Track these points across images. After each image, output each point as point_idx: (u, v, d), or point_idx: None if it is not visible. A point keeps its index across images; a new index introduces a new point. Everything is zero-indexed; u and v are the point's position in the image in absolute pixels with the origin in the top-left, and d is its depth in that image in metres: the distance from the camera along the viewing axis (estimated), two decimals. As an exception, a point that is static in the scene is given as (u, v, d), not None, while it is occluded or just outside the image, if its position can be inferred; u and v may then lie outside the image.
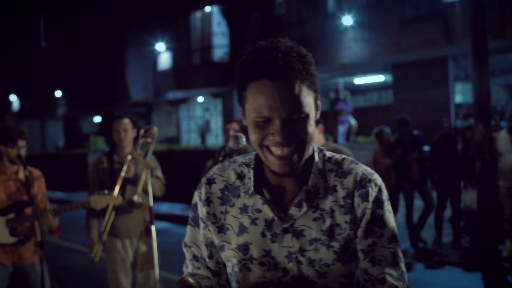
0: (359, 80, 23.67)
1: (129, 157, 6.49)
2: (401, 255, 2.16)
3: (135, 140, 6.77)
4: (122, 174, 6.42)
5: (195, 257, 2.33)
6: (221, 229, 2.20)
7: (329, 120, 17.08)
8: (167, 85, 30.76)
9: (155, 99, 33.21)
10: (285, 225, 2.10)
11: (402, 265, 2.15)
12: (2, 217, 5.74)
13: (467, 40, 15.05)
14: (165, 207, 18.69)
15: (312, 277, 2.09)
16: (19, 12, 44.90)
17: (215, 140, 31.26)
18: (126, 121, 6.74)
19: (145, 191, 6.42)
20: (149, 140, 6.54)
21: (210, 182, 2.26)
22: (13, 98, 50.70)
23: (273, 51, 2.00)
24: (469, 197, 11.75)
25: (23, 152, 5.83)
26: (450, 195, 11.95)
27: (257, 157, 2.23)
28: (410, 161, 11.55)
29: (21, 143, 5.81)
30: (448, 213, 12.28)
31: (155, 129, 6.69)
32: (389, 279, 2.10)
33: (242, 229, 2.15)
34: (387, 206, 2.17)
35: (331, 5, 22.60)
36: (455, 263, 10.83)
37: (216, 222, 2.21)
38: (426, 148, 11.66)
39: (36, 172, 6.08)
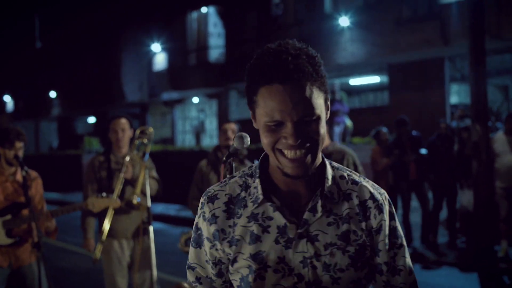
0: (354, 81, 23.66)
1: (128, 158, 6.47)
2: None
3: (131, 140, 6.74)
4: (122, 175, 6.40)
5: (198, 279, 2.28)
6: (232, 243, 2.15)
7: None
8: (163, 86, 30.74)
9: (150, 99, 33.16)
10: (299, 230, 2.08)
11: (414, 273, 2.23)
12: None
13: (463, 41, 15.10)
14: (159, 208, 18.65)
15: (325, 283, 2.08)
16: (13, 12, 44.78)
17: (210, 141, 31.23)
18: (124, 121, 6.70)
19: (143, 192, 6.40)
20: (145, 141, 6.53)
21: (212, 199, 2.21)
22: (7, 98, 50.58)
23: (283, 54, 1.99)
24: (465, 198, 11.79)
25: (20, 153, 5.81)
26: (446, 195, 11.94)
27: (261, 166, 2.22)
28: (408, 162, 11.53)
29: (19, 144, 5.79)
30: (443, 213, 12.27)
31: (151, 129, 6.68)
32: None
33: (254, 238, 2.11)
34: (396, 218, 2.24)
35: (328, 6, 22.60)
36: (451, 263, 10.83)
37: (226, 237, 2.16)
38: (424, 151, 11.63)
39: (33, 173, 6.06)
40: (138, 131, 6.68)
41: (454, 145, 12.17)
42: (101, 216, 6.51)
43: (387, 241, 2.17)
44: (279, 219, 2.10)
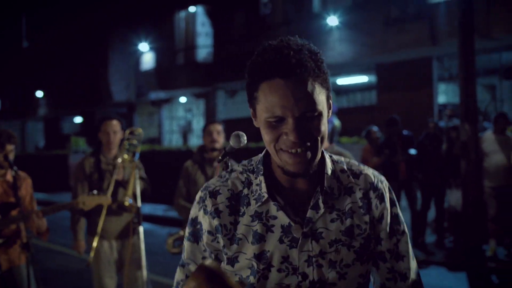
0: (342, 81, 23.65)
1: (120, 159, 6.43)
2: None
3: (121, 141, 6.71)
4: (115, 176, 6.38)
5: (188, 277, 2.21)
6: (232, 241, 2.10)
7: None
8: (150, 85, 30.69)
9: (137, 99, 33.09)
10: (304, 230, 2.06)
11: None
12: None
13: (452, 40, 15.11)
14: (147, 208, 18.57)
15: (332, 279, 2.07)
16: (0, 11, 44.56)
17: (197, 140, 31.18)
18: (115, 122, 6.69)
19: (134, 193, 6.38)
20: (134, 142, 6.51)
21: (215, 194, 2.15)
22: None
23: (284, 49, 1.96)
24: (453, 197, 11.79)
25: (11, 156, 5.75)
26: (434, 195, 11.94)
27: (265, 162, 2.17)
28: (398, 162, 11.50)
29: (10, 147, 5.73)
30: (431, 213, 12.28)
31: (140, 130, 6.67)
32: (411, 274, 2.20)
33: (258, 238, 2.07)
34: (397, 204, 2.24)
35: (316, 5, 22.59)
36: (439, 262, 10.83)
37: (227, 234, 2.11)
38: (413, 151, 11.61)
39: (23, 174, 6.00)
40: (127, 132, 6.65)
41: (443, 144, 12.18)
42: (90, 216, 6.46)
43: (388, 229, 2.17)
44: (283, 218, 2.07)
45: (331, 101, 2.09)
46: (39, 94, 42.04)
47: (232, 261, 2.10)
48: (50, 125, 44.01)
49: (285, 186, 2.12)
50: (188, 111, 32.90)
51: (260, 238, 2.07)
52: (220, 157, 3.19)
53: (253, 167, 2.19)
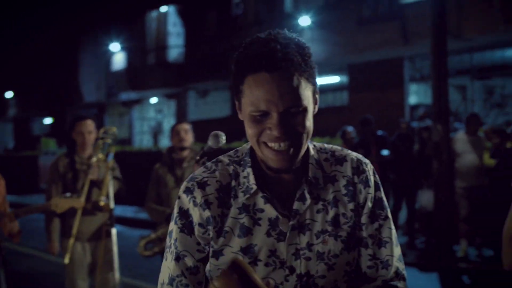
0: (314, 81, 23.68)
1: (94, 159, 6.35)
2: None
3: (95, 141, 6.64)
4: (89, 176, 6.30)
5: (184, 272, 2.08)
6: (220, 234, 2.05)
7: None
8: (121, 86, 30.58)
9: (108, 100, 32.98)
10: (291, 222, 2.03)
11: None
12: None
13: (423, 40, 15.15)
14: (117, 210, 18.27)
15: (321, 272, 2.05)
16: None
17: (168, 141, 31.07)
18: (90, 122, 6.62)
19: (108, 193, 6.30)
20: (109, 141, 6.45)
21: (203, 185, 2.09)
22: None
23: (271, 42, 1.93)
24: (424, 198, 11.80)
25: None
26: (406, 195, 11.96)
27: (251, 154, 2.13)
28: (371, 162, 11.48)
29: None
30: (403, 213, 12.30)
31: (114, 129, 6.61)
32: (394, 262, 2.15)
33: (245, 231, 2.04)
34: (382, 188, 2.20)
35: (288, 5, 22.61)
36: (411, 263, 10.83)
37: (215, 226, 2.05)
38: (386, 152, 11.61)
39: None
40: (101, 131, 6.58)
41: (415, 145, 12.20)
42: (64, 218, 6.37)
43: (370, 213, 2.13)
44: (270, 211, 2.04)
45: (317, 96, 2.06)
46: (9, 94, 41.76)
47: (217, 254, 2.05)
48: (20, 126, 43.80)
49: (272, 178, 2.08)
50: (159, 112, 32.87)
51: (247, 231, 2.03)
52: (198, 157, 3.10)
53: (240, 159, 2.15)
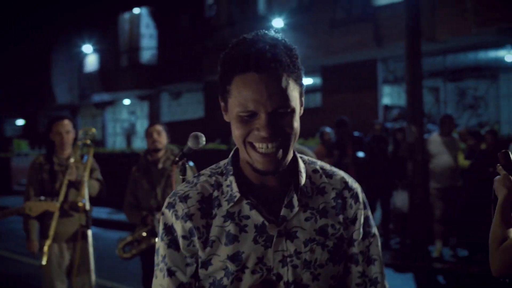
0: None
1: (72, 160, 6.31)
2: None
3: (74, 141, 6.60)
4: (67, 177, 6.26)
5: (179, 286, 2.06)
6: (206, 244, 2.02)
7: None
8: (93, 87, 30.46)
9: (80, 101, 32.83)
10: (278, 228, 2.01)
11: None
12: None
13: (396, 43, 15.25)
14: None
15: (306, 280, 2.02)
16: None
17: (141, 143, 31.06)
18: (67, 122, 6.56)
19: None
20: (88, 141, 6.43)
21: (185, 198, 2.06)
22: None
23: (260, 43, 1.92)
24: (399, 199, 11.84)
25: None
26: (380, 196, 11.99)
27: (234, 162, 2.10)
28: (346, 164, 11.53)
29: None
30: (377, 215, 12.34)
31: (93, 130, 6.60)
32: (381, 279, 2.18)
33: (231, 238, 2.00)
34: (368, 206, 2.21)
35: (262, 7, 22.65)
36: (386, 264, 10.86)
37: (201, 237, 2.02)
38: (361, 154, 11.65)
39: None
40: (80, 132, 6.55)
41: (389, 146, 12.25)
42: (42, 219, 6.33)
43: (361, 230, 2.14)
44: (256, 217, 2.01)
45: (303, 99, 2.05)
46: (-20, 96, 41.38)
47: (206, 264, 2.02)
48: (-9, 127, 43.36)
49: (256, 184, 2.06)
50: (132, 113, 32.77)
51: (233, 239, 2.00)
52: (177, 159, 3.09)
53: (221, 169, 2.13)
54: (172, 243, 2.06)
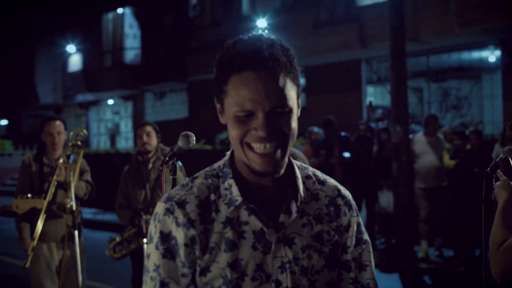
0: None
1: (61, 161, 6.30)
2: None
3: (65, 142, 6.60)
4: (55, 177, 6.22)
5: None
6: (205, 251, 1.96)
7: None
8: (77, 87, 30.35)
9: (64, 101, 32.71)
10: (277, 234, 1.98)
11: None
12: None
13: (380, 43, 15.30)
14: (76, 212, 18.17)
15: (303, 287, 2.00)
16: None
17: (125, 143, 30.99)
18: (59, 123, 6.53)
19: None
20: (79, 143, 6.43)
21: (183, 203, 1.98)
22: None
23: (257, 42, 1.90)
24: (384, 199, 11.87)
25: None
26: (365, 196, 12.03)
27: (231, 164, 2.06)
28: (332, 164, 11.55)
29: None
30: (362, 215, 12.36)
31: (84, 131, 6.58)
32: (373, 285, 2.17)
33: (230, 245, 1.95)
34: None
35: (245, 7, 22.63)
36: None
37: (200, 244, 1.96)
38: (347, 154, 11.67)
39: None
40: (71, 133, 6.53)
41: (373, 146, 12.27)
42: (32, 220, 6.32)
43: (355, 237, 2.14)
44: (255, 223, 1.97)
45: (300, 100, 2.02)
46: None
47: (204, 271, 1.96)
48: (-26, 128, 43.11)
49: (253, 187, 2.02)
50: (116, 113, 32.66)
51: (232, 246, 1.95)
52: (166, 158, 3.09)
53: (216, 172, 2.07)
54: (168, 253, 1.98)
